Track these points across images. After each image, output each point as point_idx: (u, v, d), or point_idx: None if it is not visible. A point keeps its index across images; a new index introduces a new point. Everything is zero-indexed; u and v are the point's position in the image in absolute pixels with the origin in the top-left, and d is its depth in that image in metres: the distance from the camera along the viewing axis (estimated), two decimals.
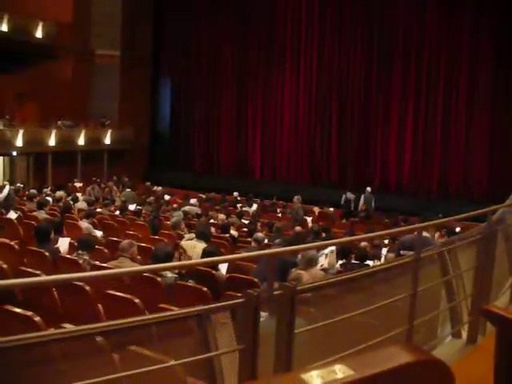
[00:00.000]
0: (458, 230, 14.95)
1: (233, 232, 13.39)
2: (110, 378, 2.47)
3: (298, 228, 14.08)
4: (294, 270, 7.20)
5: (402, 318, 4.14)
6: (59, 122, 27.99)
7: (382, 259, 10.18)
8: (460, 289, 5.13)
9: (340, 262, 9.40)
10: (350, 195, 22.13)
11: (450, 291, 5.01)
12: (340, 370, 0.94)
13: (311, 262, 7.24)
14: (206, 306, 2.91)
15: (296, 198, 20.28)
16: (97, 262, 7.64)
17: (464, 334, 5.08)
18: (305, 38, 28.18)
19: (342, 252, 9.54)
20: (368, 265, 8.74)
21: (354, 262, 9.29)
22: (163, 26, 31.87)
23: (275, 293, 2.86)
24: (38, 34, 27.44)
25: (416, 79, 25.37)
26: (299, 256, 7.54)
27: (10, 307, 4.49)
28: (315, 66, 27.93)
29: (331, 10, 27.34)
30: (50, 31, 27.82)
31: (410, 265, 4.21)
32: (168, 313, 3.10)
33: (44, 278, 2.30)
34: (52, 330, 2.37)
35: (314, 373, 0.93)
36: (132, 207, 17.70)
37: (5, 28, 25.91)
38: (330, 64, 27.49)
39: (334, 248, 8.09)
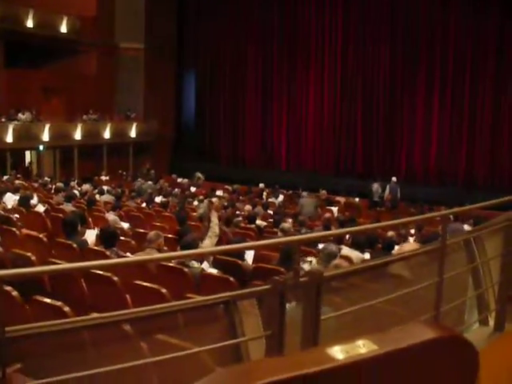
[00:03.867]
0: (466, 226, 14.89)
1: (259, 222, 13.43)
2: (138, 365, 2.49)
3: (327, 215, 14.09)
4: (336, 259, 7.20)
5: (429, 305, 4.13)
6: (85, 116, 28.18)
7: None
8: (487, 276, 5.10)
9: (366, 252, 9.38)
10: (377, 186, 22.02)
11: (477, 279, 4.98)
12: (364, 345, 0.95)
13: (330, 257, 7.06)
14: (232, 293, 2.92)
15: (305, 193, 20.08)
16: (127, 254, 7.71)
17: (491, 322, 5.05)
18: (329, 29, 28.06)
19: (369, 241, 9.51)
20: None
21: (380, 251, 9.27)
22: (187, 19, 31.88)
23: (302, 279, 2.87)
24: (63, 28, 27.62)
25: (441, 68, 25.15)
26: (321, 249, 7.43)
27: (39, 297, 4.54)
28: (339, 57, 27.80)
29: (355, 5, 27.20)
30: (74, 26, 28.01)
31: (437, 252, 4.19)
32: (195, 300, 3.12)
33: (69, 265, 2.33)
34: (81, 318, 2.39)
35: (339, 347, 0.94)
36: (158, 199, 17.77)
37: (30, 24, 26.13)
38: (354, 55, 27.35)
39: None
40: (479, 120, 24.55)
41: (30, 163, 27.92)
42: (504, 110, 24.02)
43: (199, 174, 24.71)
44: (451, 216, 12.91)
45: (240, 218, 13.48)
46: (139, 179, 23.01)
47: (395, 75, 26.30)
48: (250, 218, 13.43)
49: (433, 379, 1.04)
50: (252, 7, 29.94)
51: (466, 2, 24.42)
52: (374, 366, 0.94)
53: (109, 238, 7.75)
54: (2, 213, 10.65)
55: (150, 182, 22.01)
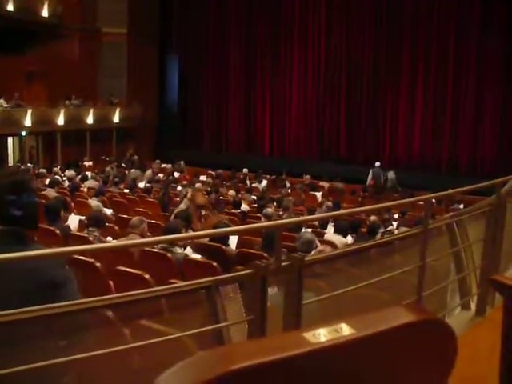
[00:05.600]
0: (461, 206, 15.01)
1: (245, 206, 13.47)
2: (120, 351, 2.49)
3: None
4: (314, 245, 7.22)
5: (412, 290, 4.15)
6: (67, 101, 27.98)
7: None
8: (469, 260, 5.14)
9: (349, 236, 9.42)
10: (392, 173, 21.98)
11: (459, 263, 5.02)
12: (342, 329, 0.95)
13: (309, 246, 7.00)
14: (214, 278, 2.92)
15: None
16: (108, 238, 7.69)
17: (473, 306, 5.10)
18: (312, 14, 27.98)
19: (351, 226, 9.55)
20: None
21: (364, 235, 9.31)
22: (170, 3, 31.69)
23: (283, 264, 2.87)
24: (44, 12, 27.32)
25: (425, 55, 25.19)
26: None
27: None
28: (323, 42, 27.77)
29: None
30: (56, 10, 27.69)
31: (419, 236, 4.21)
32: (177, 285, 3.12)
33: (51, 250, 2.32)
34: (63, 303, 2.38)
35: (317, 331, 0.94)
36: (142, 185, 17.74)
37: (11, 7, 25.79)
38: (338, 39, 27.33)
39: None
40: (463, 105, 24.63)
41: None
42: (486, 97, 24.12)
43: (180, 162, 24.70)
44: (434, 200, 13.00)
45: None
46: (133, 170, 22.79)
47: (379, 61, 26.29)
48: (236, 204, 13.46)
49: (411, 362, 1.04)
50: None
51: None
52: (351, 349, 0.94)
53: (96, 222, 7.79)
54: None
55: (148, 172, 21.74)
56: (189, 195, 10.97)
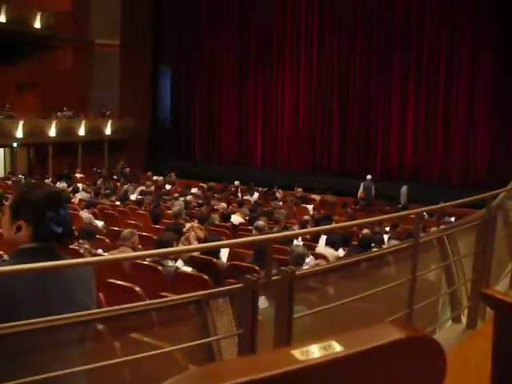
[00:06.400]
0: (452, 219, 15.03)
1: (238, 218, 13.47)
2: (110, 365, 2.48)
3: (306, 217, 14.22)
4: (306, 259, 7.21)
5: (403, 303, 4.15)
6: (59, 113, 27.94)
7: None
8: (460, 274, 5.14)
9: (341, 249, 9.41)
10: (405, 189, 21.96)
11: (450, 276, 5.03)
12: (330, 347, 0.95)
13: (300, 260, 6.96)
14: (204, 292, 2.92)
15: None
16: (98, 251, 7.67)
17: (464, 319, 5.10)
18: (305, 24, 28.14)
19: (343, 239, 9.55)
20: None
21: (356, 248, 9.30)
22: (163, 14, 31.78)
23: (274, 278, 2.86)
24: (37, 24, 27.32)
25: (416, 66, 25.35)
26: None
27: None
28: (315, 54, 27.90)
29: None
30: (49, 21, 27.71)
31: (410, 250, 4.22)
32: (167, 299, 3.11)
33: (40, 264, 2.31)
34: (53, 317, 2.37)
35: (305, 349, 0.94)
36: (133, 197, 17.70)
37: (3, 19, 25.80)
38: (330, 51, 27.47)
39: None
40: (454, 118, 24.75)
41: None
42: (478, 109, 24.26)
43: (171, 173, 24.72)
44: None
45: (216, 215, 13.50)
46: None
47: (371, 75, 26.41)
48: (226, 217, 13.44)
49: (400, 379, 1.04)
50: (228, 3, 29.92)
51: None
52: (340, 366, 0.94)
53: (87, 234, 7.78)
54: None
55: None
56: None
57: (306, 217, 14.49)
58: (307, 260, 7.26)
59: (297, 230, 9.85)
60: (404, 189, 22.08)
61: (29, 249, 2.51)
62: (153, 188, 20.37)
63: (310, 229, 10.78)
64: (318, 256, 8.18)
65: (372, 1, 26.00)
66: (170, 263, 6.92)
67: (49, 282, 2.48)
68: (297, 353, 0.92)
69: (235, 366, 0.97)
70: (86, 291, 2.71)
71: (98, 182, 21.28)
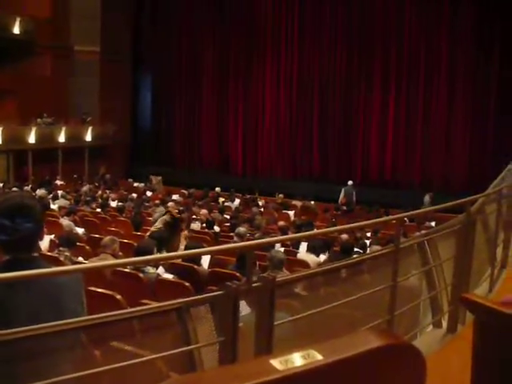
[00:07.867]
0: (433, 223, 15.07)
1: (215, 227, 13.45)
2: (91, 374, 2.46)
3: (281, 223, 14.16)
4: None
5: (384, 308, 4.16)
6: (39, 120, 27.76)
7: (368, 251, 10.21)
8: (440, 278, 5.17)
9: (322, 255, 9.41)
10: (428, 197, 21.36)
11: (431, 281, 5.05)
12: (309, 356, 0.94)
13: (280, 265, 6.84)
14: (185, 299, 2.90)
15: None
16: (79, 259, 7.62)
17: (444, 324, 5.12)
18: (285, 32, 28.19)
19: (324, 244, 9.56)
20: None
21: (338, 254, 9.29)
22: (143, 22, 31.77)
23: (254, 285, 2.86)
24: (16, 30, 27.11)
25: (397, 72, 25.46)
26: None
27: None
28: (296, 60, 27.96)
29: (311, 2, 27.34)
30: (28, 27, 27.49)
31: (391, 255, 4.23)
32: (148, 307, 3.10)
33: (20, 273, 2.29)
34: (34, 326, 2.35)
35: (284, 358, 0.93)
36: (114, 204, 17.63)
37: None
38: (310, 57, 27.52)
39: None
40: (434, 123, 24.87)
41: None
42: (457, 114, 24.40)
43: (157, 178, 24.59)
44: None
45: (197, 223, 13.48)
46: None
47: (351, 80, 26.50)
48: (209, 223, 13.43)
49: None
50: (207, 10, 29.93)
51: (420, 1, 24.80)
52: (319, 375, 0.94)
53: (67, 242, 7.73)
54: None
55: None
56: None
57: (282, 223, 14.43)
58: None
59: (278, 236, 9.84)
60: (427, 197, 21.41)
61: None
62: (134, 194, 20.30)
63: (291, 235, 10.78)
64: (297, 262, 8.19)
65: (353, 6, 26.10)
66: (151, 270, 6.89)
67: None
68: (276, 362, 0.92)
69: (215, 376, 0.97)
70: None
71: (84, 189, 21.19)
